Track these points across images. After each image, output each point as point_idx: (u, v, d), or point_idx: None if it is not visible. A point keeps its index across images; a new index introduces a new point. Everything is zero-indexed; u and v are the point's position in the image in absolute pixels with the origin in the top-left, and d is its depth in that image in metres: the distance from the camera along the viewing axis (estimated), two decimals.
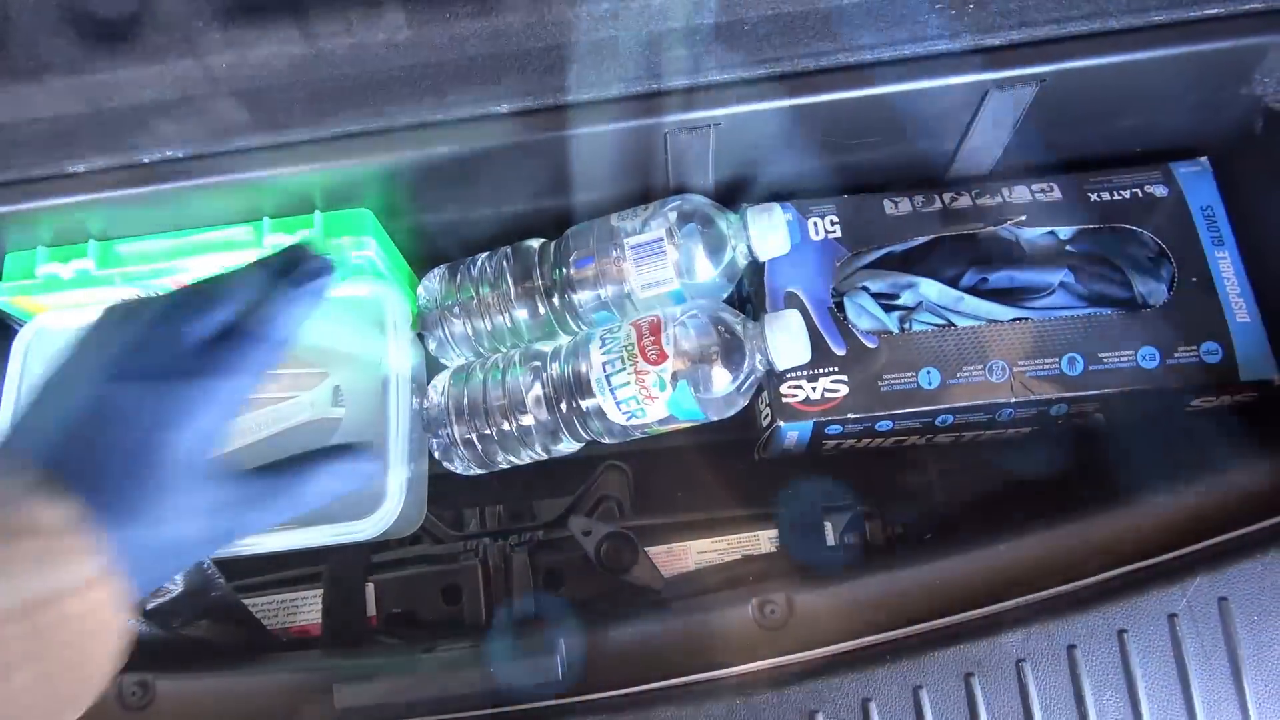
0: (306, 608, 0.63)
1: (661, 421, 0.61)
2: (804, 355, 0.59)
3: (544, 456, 0.66)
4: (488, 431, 0.64)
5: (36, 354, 0.63)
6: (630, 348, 0.60)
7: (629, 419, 0.61)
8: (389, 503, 0.58)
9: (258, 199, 0.60)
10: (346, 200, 0.61)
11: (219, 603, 0.57)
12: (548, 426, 0.63)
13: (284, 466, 0.43)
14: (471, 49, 0.54)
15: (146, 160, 0.57)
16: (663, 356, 0.59)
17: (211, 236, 0.61)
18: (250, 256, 0.60)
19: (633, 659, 0.52)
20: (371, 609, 0.62)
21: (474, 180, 0.61)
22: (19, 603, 0.32)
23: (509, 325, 0.66)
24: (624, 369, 0.60)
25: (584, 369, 0.61)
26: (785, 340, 0.59)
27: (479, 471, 0.67)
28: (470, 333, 0.67)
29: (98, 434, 0.37)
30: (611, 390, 0.60)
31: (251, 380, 0.41)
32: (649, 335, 0.60)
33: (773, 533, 0.63)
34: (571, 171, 0.61)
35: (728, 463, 0.71)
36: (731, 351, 0.59)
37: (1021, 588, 0.51)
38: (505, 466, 0.67)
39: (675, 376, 0.59)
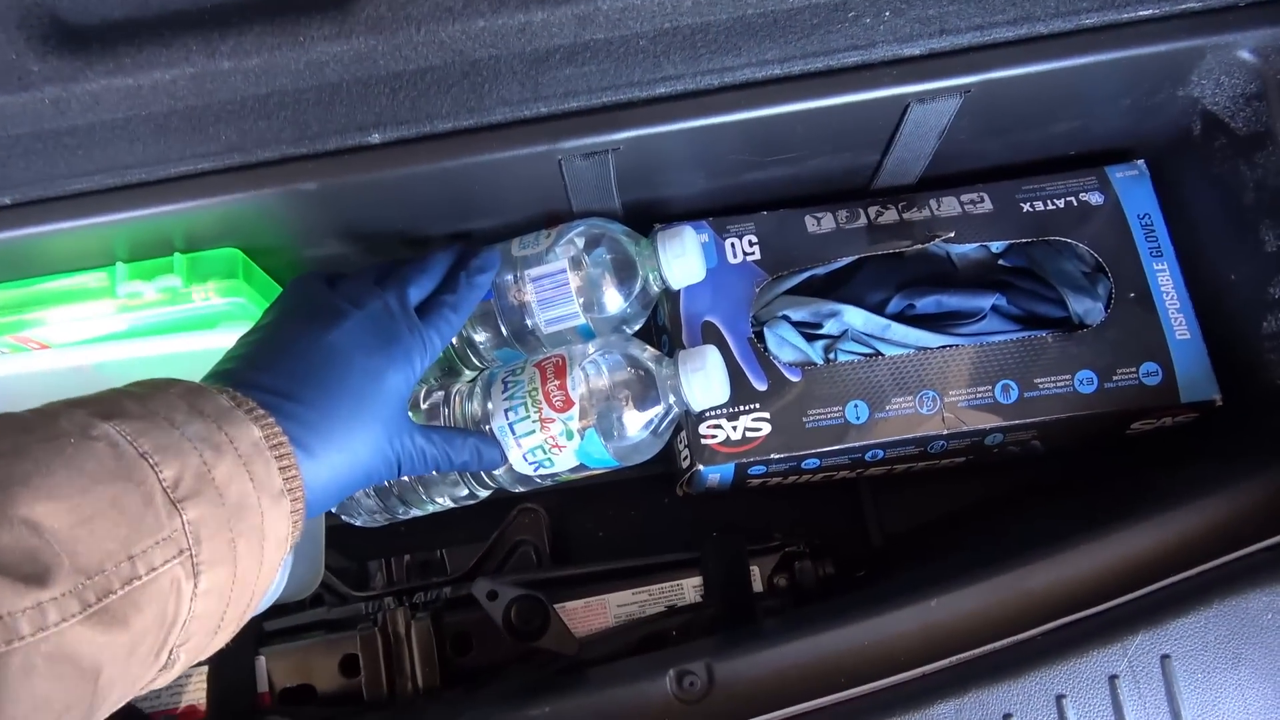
0: (191, 686, 0.57)
1: (573, 470, 0.56)
2: (722, 395, 0.55)
3: (449, 506, 0.61)
4: (385, 484, 0.59)
5: None
6: (534, 393, 0.55)
7: (536, 469, 0.56)
8: (273, 589, 0.53)
9: (110, 243, 0.54)
10: (212, 240, 0.55)
11: None
12: (448, 477, 0.58)
13: (444, 430, 0.51)
14: (332, 74, 0.48)
15: None
16: (569, 404, 0.54)
17: (61, 285, 0.55)
18: (106, 305, 0.55)
19: None
20: (264, 684, 0.57)
21: (351, 214, 0.55)
22: (224, 506, 0.36)
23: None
24: (527, 416, 0.55)
25: (485, 416, 0.56)
26: (701, 381, 0.54)
27: (382, 523, 0.62)
28: None
29: (323, 369, 0.44)
30: (516, 440, 0.55)
31: (443, 344, 0.50)
32: (554, 379, 0.55)
33: (697, 580, 0.59)
34: (462, 200, 0.56)
35: (652, 498, 0.67)
36: (645, 393, 0.54)
37: (955, 646, 0.47)
38: (407, 518, 0.62)
39: (583, 426, 0.54)
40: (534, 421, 0.55)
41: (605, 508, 0.66)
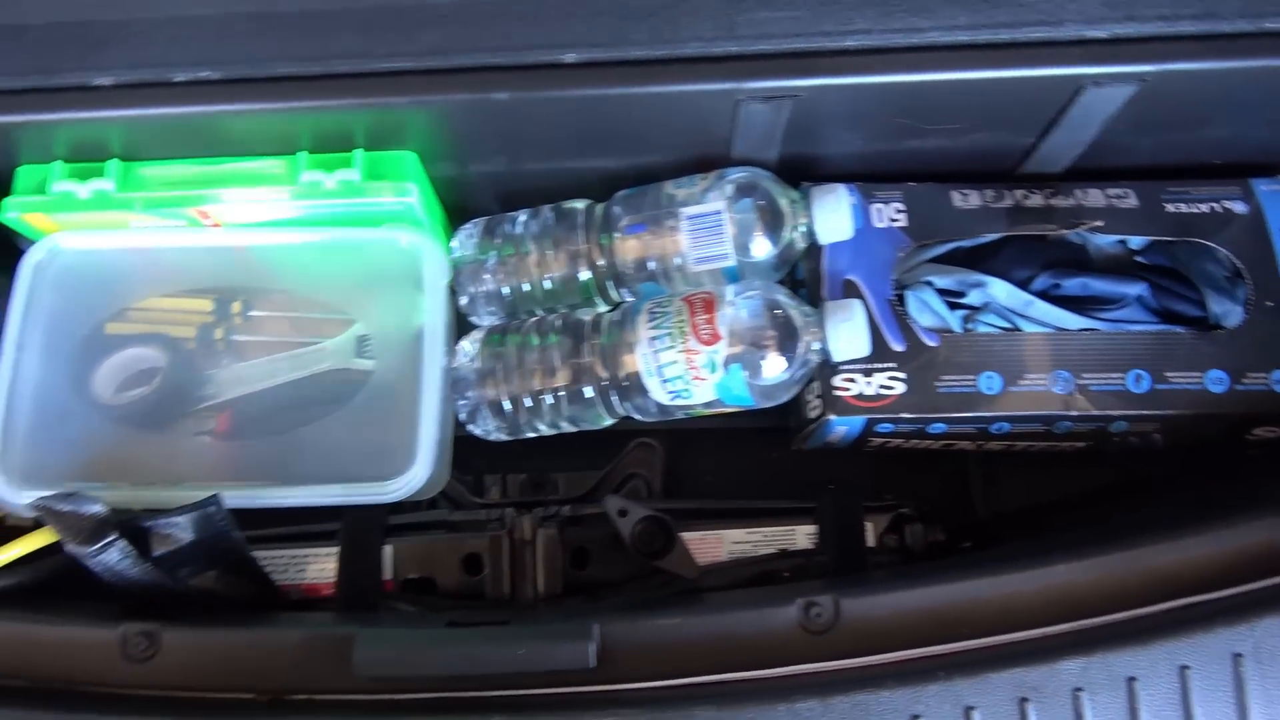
0: (318, 566, 0.60)
1: (706, 404, 0.58)
2: (864, 348, 0.56)
3: (573, 429, 0.63)
4: (519, 398, 0.61)
5: (48, 275, 0.59)
6: (681, 325, 0.57)
7: (673, 399, 0.58)
8: (419, 465, 0.55)
9: (296, 131, 0.56)
10: (390, 141, 0.57)
11: (229, 554, 0.54)
12: (584, 398, 0.60)
13: None
14: None
15: (180, 79, 0.53)
16: (716, 337, 0.56)
17: (243, 167, 0.57)
18: (283, 191, 0.57)
19: (670, 652, 0.49)
20: (388, 572, 0.59)
21: (528, 131, 0.57)
22: None
23: (547, 288, 0.62)
24: (672, 346, 0.57)
25: (629, 342, 0.58)
26: (846, 331, 0.56)
27: (503, 438, 0.64)
28: (505, 292, 0.63)
29: None
30: (658, 368, 0.57)
31: None
32: (702, 313, 0.57)
33: (810, 529, 0.60)
34: (631, 132, 0.58)
35: (763, 450, 0.68)
36: (788, 338, 0.56)
37: (1080, 611, 0.49)
38: (531, 435, 0.64)
39: (728, 360, 0.56)
40: (679, 351, 0.57)
41: (715, 453, 0.68)
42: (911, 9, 0.52)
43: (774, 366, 0.56)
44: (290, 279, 0.65)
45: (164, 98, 0.53)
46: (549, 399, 0.60)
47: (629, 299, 0.62)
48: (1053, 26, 0.53)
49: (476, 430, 0.63)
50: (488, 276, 0.64)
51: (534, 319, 0.63)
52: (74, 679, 0.50)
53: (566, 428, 0.63)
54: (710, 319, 0.56)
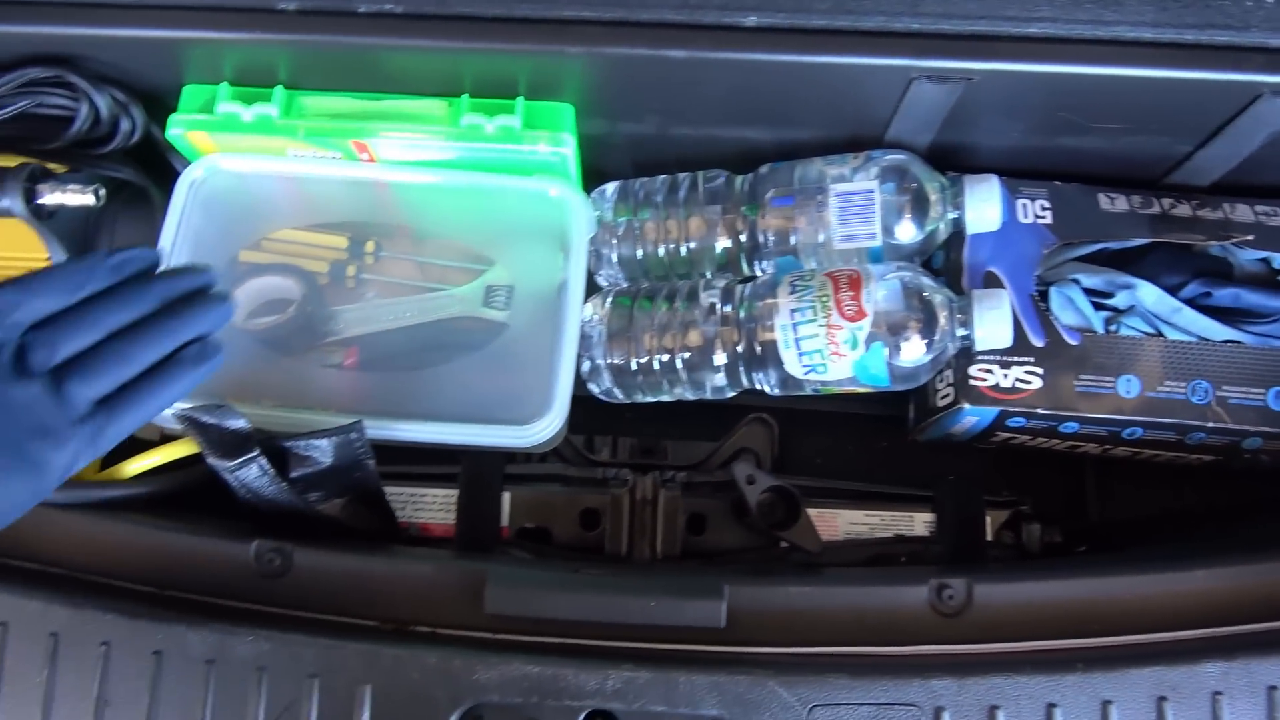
0: (436, 506, 0.60)
1: (839, 382, 0.58)
2: (1006, 339, 0.56)
3: (692, 396, 0.63)
4: (645, 361, 0.61)
5: (201, 195, 0.60)
6: (824, 299, 0.57)
7: (806, 373, 0.58)
8: (555, 412, 0.55)
9: (460, 73, 0.57)
10: (550, 91, 0.57)
11: (362, 483, 0.54)
12: (713, 366, 0.60)
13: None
14: None
15: (363, 10, 0.53)
16: (860, 314, 0.56)
17: (405, 105, 0.58)
18: (442, 132, 0.58)
19: (800, 619, 0.49)
20: (504, 520, 0.59)
21: (691, 93, 0.57)
22: None
23: (682, 254, 0.63)
24: (814, 320, 0.57)
25: (768, 313, 0.58)
26: (993, 320, 0.55)
27: (619, 399, 0.64)
28: (639, 255, 0.64)
29: None
30: (796, 340, 0.57)
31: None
32: (847, 289, 0.57)
33: (928, 517, 0.60)
34: (792, 103, 0.58)
35: (874, 436, 0.68)
36: (933, 321, 0.56)
37: (1222, 618, 0.48)
38: (647, 399, 0.64)
39: (870, 338, 0.56)
40: (820, 325, 0.57)
41: (827, 436, 0.68)
42: (1101, 0, 0.52)
43: (915, 349, 0.56)
44: (429, 222, 0.65)
45: (343, 27, 0.54)
46: (676, 363, 0.60)
47: (762, 273, 0.62)
48: (1239, 31, 0.52)
49: (595, 389, 0.64)
50: (619, 239, 0.64)
51: (664, 284, 0.64)
52: (205, 589, 0.51)
53: (686, 395, 0.63)
54: (855, 295, 0.56)
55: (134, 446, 0.57)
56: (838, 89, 0.56)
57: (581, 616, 0.48)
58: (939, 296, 0.56)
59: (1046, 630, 0.49)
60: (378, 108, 0.58)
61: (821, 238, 0.60)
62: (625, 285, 0.66)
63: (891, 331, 0.56)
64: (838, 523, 0.60)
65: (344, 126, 0.57)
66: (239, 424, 0.52)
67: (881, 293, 0.56)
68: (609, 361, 0.62)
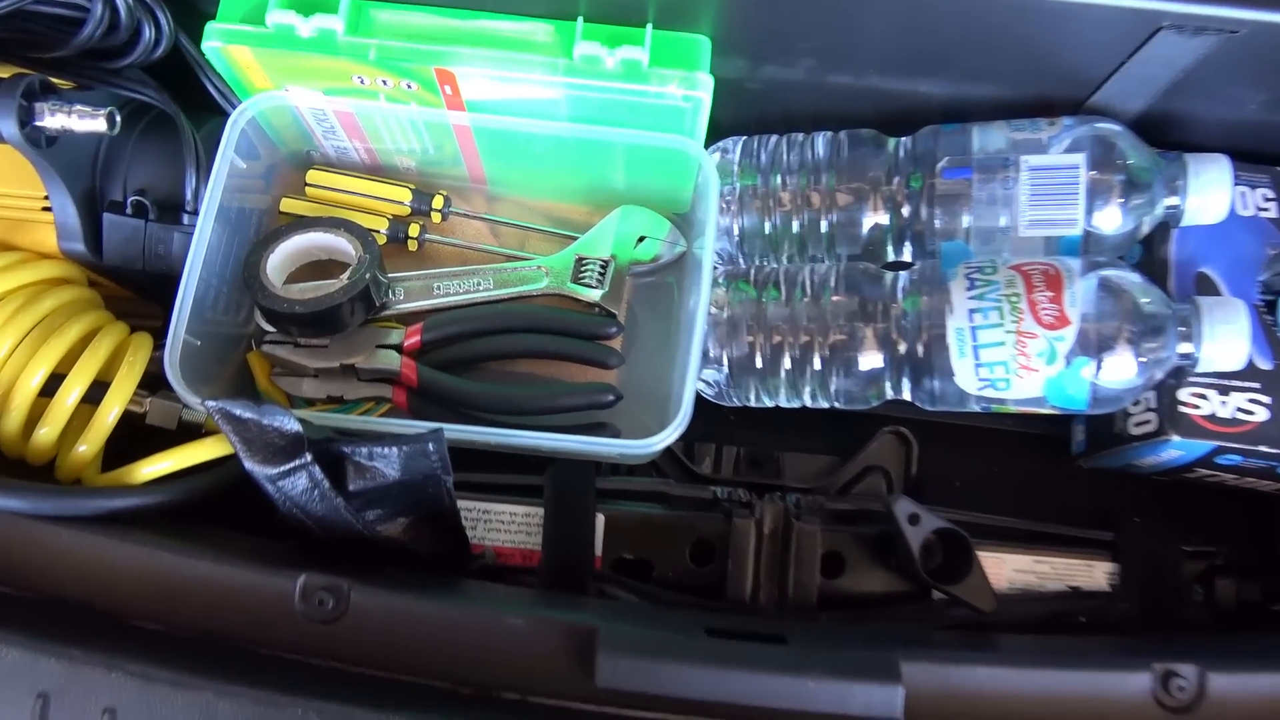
0: (514, 527, 0.49)
1: (1021, 402, 0.47)
2: (1241, 359, 0.45)
3: (821, 405, 0.52)
4: (773, 360, 0.50)
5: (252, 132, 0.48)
6: (1014, 299, 0.46)
7: (983, 388, 0.47)
8: (680, 418, 0.44)
9: None
10: (685, 19, 0.46)
11: (433, 501, 0.44)
12: (859, 371, 0.49)
13: None
14: None
15: None
16: (1062, 321, 0.45)
17: (501, 26, 0.46)
18: (545, 67, 0.46)
19: (993, 710, 0.39)
20: (598, 546, 0.49)
21: (858, 30, 0.46)
22: None
23: (823, 230, 0.51)
24: (999, 325, 0.46)
25: (938, 311, 0.47)
26: (1226, 336, 0.44)
27: (731, 403, 0.53)
28: (766, 229, 0.52)
29: None
30: (975, 348, 0.46)
31: None
32: (1044, 288, 0.46)
33: (1109, 566, 0.50)
34: (986, 49, 0.46)
35: (1027, 460, 0.57)
36: (1151, 334, 0.45)
37: None
38: (761, 405, 0.53)
39: (1071, 351, 0.45)
40: (1007, 332, 0.46)
41: (969, 455, 0.57)
42: None
43: (1126, 367, 0.45)
44: (511, 175, 0.54)
45: None
46: (813, 364, 0.49)
47: (918, 259, 0.51)
48: None
49: (705, 390, 0.53)
50: (742, 208, 0.53)
51: (798, 267, 0.52)
52: (238, 637, 0.40)
53: (815, 403, 0.52)
54: (1055, 297, 0.45)
55: (147, 444, 0.47)
56: (1054, 35, 0.44)
57: (720, 697, 0.37)
58: (1157, 302, 0.46)
59: None
60: (468, 28, 0.46)
61: (1004, 221, 0.48)
62: (736, 265, 0.55)
63: (1099, 345, 0.45)
64: (1003, 570, 0.49)
65: (425, 50, 0.45)
66: (288, 424, 0.40)
67: (1090, 294, 0.45)
68: (729, 356, 0.51)
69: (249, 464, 0.41)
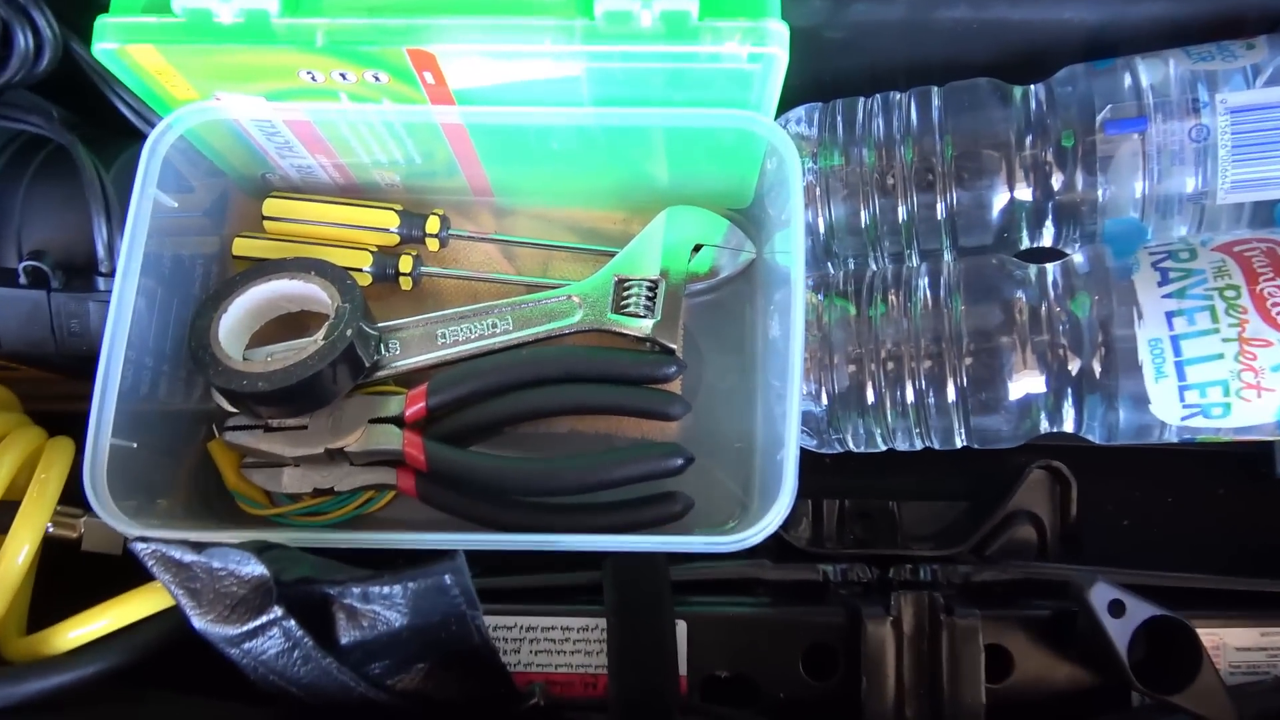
0: (569, 645, 0.38)
1: (1245, 430, 0.35)
2: None
3: (958, 445, 0.40)
4: (888, 391, 0.38)
5: (179, 158, 0.36)
6: (1230, 294, 0.33)
7: (1189, 417, 0.34)
8: (784, 496, 0.32)
9: None
10: None
11: (457, 640, 0.32)
12: (1009, 404, 0.36)
13: None
14: None
15: None
16: None
17: None
18: (557, 34, 0.34)
19: None
20: (681, 663, 0.37)
21: None
22: None
23: (939, 219, 0.39)
24: (1214, 330, 0.33)
25: (1120, 319, 0.34)
26: None
27: (834, 450, 0.41)
28: (863, 221, 0.40)
29: None
30: (1178, 365, 0.34)
31: None
32: (1273, 276, 0.33)
33: None
34: None
35: (1209, 483, 0.45)
36: None
37: None
38: (863, 449, 0.41)
39: None
40: (1225, 340, 0.33)
41: (1128, 485, 0.45)
42: None
43: None
44: (523, 181, 0.42)
45: None
46: (948, 398, 0.37)
47: (1076, 245, 0.39)
48: None
49: (807, 441, 0.41)
50: (826, 195, 0.40)
51: (904, 269, 0.40)
52: None
53: (949, 444, 0.40)
54: None
55: (83, 587, 0.35)
56: None
57: None
58: None
59: None
60: None
61: (1193, 185, 0.36)
62: (822, 270, 0.42)
63: None
64: (1222, 648, 0.37)
65: (391, 26, 0.33)
66: (248, 568, 0.29)
67: None
68: (829, 390, 0.39)
69: (200, 624, 0.30)
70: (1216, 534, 0.44)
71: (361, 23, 0.33)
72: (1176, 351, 0.34)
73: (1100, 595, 0.33)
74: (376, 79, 0.35)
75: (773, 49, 0.33)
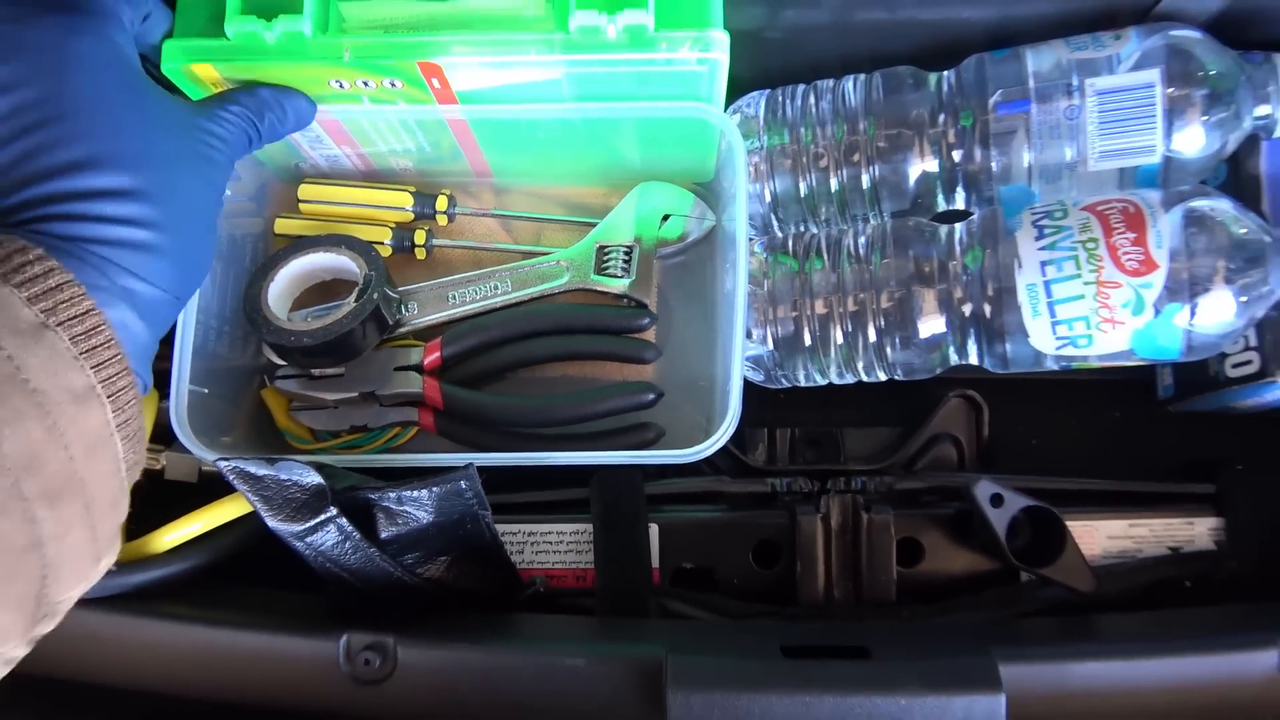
0: (563, 547, 0.46)
1: (1107, 357, 0.43)
2: None
3: (881, 378, 0.48)
4: (824, 336, 0.46)
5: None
6: (1091, 245, 0.41)
7: (1061, 347, 0.42)
8: (730, 416, 0.40)
9: None
10: None
11: (473, 538, 0.40)
12: (919, 339, 0.44)
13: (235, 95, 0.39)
14: None
15: None
16: (1150, 265, 0.40)
17: (486, 4, 0.41)
18: (540, 45, 0.41)
19: (1101, 705, 0.36)
20: (654, 559, 0.45)
21: None
22: None
23: (864, 187, 0.46)
24: (1077, 276, 0.41)
25: (1005, 266, 0.42)
26: None
27: (780, 385, 0.49)
28: (802, 191, 0.48)
29: None
30: (1050, 305, 0.41)
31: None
32: (1125, 229, 0.41)
33: (1213, 522, 0.45)
34: None
35: (1107, 408, 0.53)
36: (1249, 267, 0.40)
37: None
38: (810, 384, 0.49)
39: (1161, 297, 0.40)
40: (1086, 284, 0.41)
41: (1040, 410, 0.53)
42: None
43: (1225, 308, 0.40)
44: (515, 164, 0.50)
45: None
46: (870, 338, 0.45)
47: (976, 206, 0.46)
48: None
49: (751, 373, 0.49)
50: (773, 170, 0.48)
51: (839, 230, 0.48)
52: (279, 702, 0.38)
53: (872, 376, 0.48)
54: (1139, 239, 0.40)
55: (171, 500, 0.44)
56: None
57: None
58: (1254, 231, 0.40)
59: None
60: (449, 12, 0.41)
61: (1070, 155, 0.43)
62: (771, 234, 0.50)
63: (1192, 287, 0.40)
64: (1095, 538, 0.45)
65: (404, 43, 0.41)
66: (307, 477, 0.37)
67: (1178, 231, 0.40)
68: (774, 335, 0.47)
69: (272, 523, 0.38)
70: (1111, 448, 0.52)
71: (380, 40, 0.41)
72: (1049, 294, 0.41)
73: (983, 490, 0.41)
74: (393, 85, 0.42)
75: (716, 54, 0.41)
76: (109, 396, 0.29)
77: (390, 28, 0.41)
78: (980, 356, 0.45)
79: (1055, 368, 0.44)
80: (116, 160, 0.31)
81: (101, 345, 0.29)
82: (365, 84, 0.42)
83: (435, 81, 0.42)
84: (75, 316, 0.29)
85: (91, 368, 0.29)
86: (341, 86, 0.43)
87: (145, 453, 0.32)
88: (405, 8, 0.41)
